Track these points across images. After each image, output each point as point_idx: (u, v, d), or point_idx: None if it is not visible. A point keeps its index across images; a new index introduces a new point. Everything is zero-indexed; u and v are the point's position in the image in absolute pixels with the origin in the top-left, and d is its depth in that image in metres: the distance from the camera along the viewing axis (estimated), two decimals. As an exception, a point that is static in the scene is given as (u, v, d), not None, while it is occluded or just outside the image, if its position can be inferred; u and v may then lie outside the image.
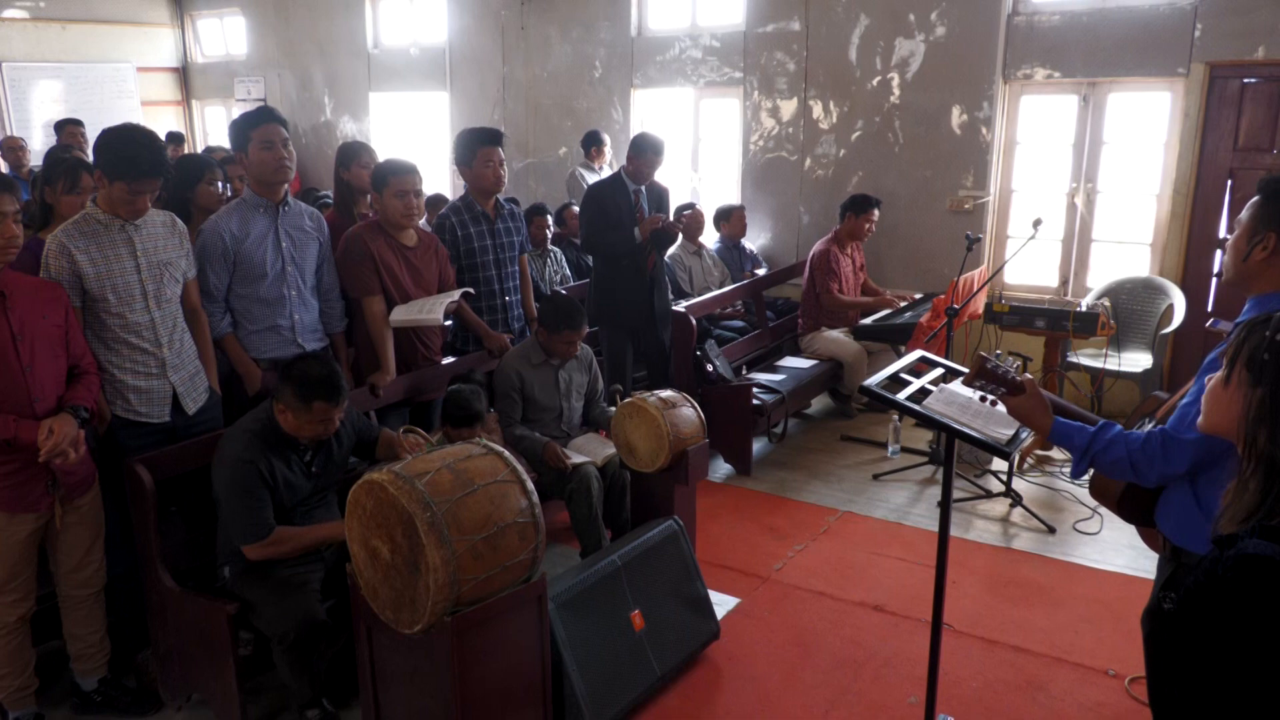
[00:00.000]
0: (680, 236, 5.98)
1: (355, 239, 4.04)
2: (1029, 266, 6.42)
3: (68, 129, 7.82)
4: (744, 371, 5.91)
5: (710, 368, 5.42)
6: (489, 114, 8.69)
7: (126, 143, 3.07)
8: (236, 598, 3.08)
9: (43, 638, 3.25)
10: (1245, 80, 5.63)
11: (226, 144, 5.49)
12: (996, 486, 5.00)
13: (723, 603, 3.92)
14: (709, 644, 3.61)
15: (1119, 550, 4.38)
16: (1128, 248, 6.26)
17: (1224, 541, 1.57)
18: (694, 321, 5.48)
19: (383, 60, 9.54)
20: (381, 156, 4.41)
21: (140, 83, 10.83)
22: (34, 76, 10.09)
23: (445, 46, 8.95)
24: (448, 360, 4.40)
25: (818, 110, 7.01)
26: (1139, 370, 5.61)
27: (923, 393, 2.67)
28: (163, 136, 3.85)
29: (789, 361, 6.17)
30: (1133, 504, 2.28)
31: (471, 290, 4.39)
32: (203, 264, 3.59)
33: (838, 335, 6.17)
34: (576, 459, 4.03)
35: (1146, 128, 6.05)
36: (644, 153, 5.24)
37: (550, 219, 6.70)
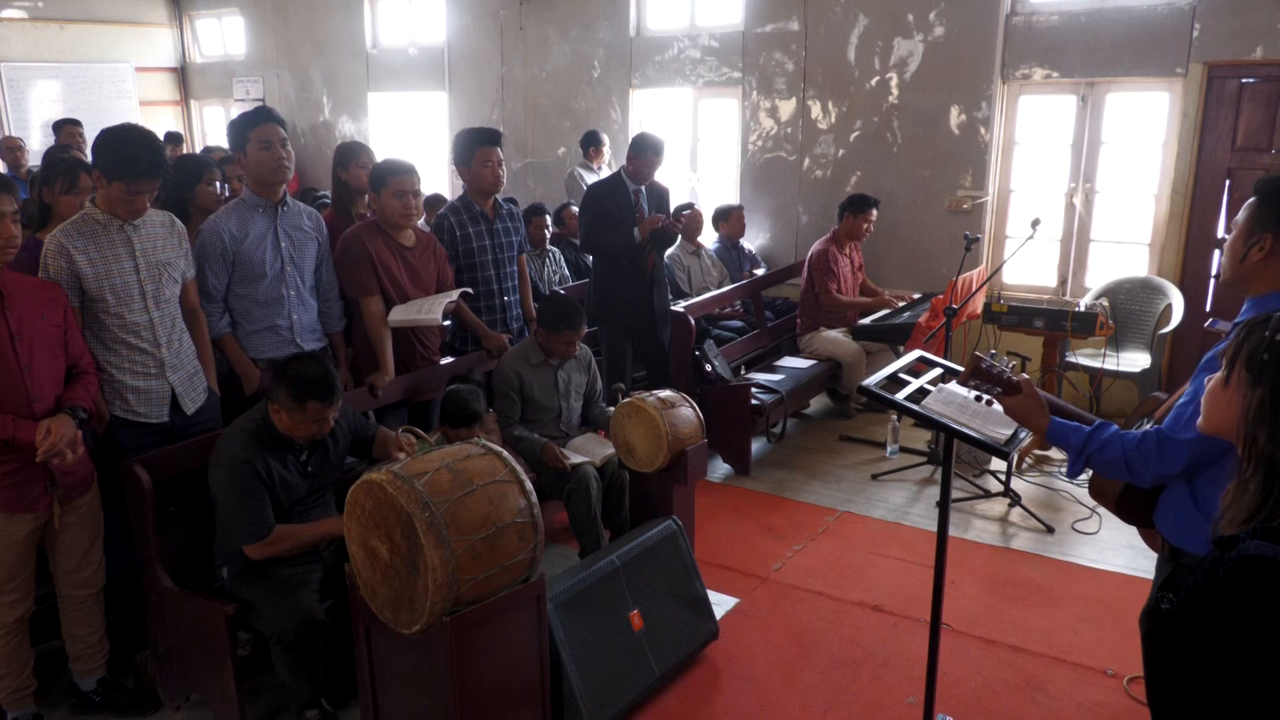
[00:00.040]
0: (679, 236, 5.98)
1: (353, 239, 4.04)
2: (1027, 266, 6.42)
3: (66, 129, 7.81)
4: (743, 371, 5.91)
5: (709, 368, 5.43)
6: (487, 114, 8.69)
7: (125, 143, 3.07)
8: (235, 598, 3.08)
9: (41, 638, 3.25)
10: (1243, 80, 5.64)
11: (225, 144, 5.49)
12: (995, 486, 5.00)
13: (721, 603, 3.92)
14: (708, 644, 3.61)
15: (1117, 550, 4.39)
16: (1126, 248, 6.26)
17: (1224, 543, 1.57)
18: (693, 321, 5.48)
19: (381, 60, 9.54)
20: (380, 156, 4.41)
21: (138, 83, 10.82)
22: (32, 76, 10.08)
23: (444, 46, 8.95)
24: (446, 360, 4.40)
25: (816, 110, 7.01)
26: (1137, 370, 5.62)
27: (921, 393, 2.68)
28: (161, 137, 3.84)
29: (788, 361, 6.17)
30: (1131, 504, 2.28)
31: (470, 290, 4.39)
32: (201, 264, 3.59)
33: (836, 335, 6.17)
34: (575, 459, 4.03)
35: (1145, 128, 6.05)
36: (644, 153, 5.24)
37: (549, 219, 6.70)
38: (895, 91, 6.65)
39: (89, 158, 3.96)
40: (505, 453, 2.73)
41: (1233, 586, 1.50)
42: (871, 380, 2.73)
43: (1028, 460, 5.42)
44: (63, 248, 3.07)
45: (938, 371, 2.84)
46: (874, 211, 6.24)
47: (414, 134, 9.54)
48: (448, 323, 4.17)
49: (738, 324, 6.64)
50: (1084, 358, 5.66)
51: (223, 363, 3.76)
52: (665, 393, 4.01)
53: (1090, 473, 2.27)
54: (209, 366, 3.56)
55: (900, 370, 2.83)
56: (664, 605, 3.45)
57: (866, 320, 5.93)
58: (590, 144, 7.60)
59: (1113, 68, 5.94)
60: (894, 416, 5.57)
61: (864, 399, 5.96)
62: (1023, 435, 2.56)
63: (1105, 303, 5.34)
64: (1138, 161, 6.12)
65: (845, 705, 3.33)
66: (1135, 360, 5.72)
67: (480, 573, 2.51)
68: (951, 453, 2.86)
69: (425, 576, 2.42)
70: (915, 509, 4.90)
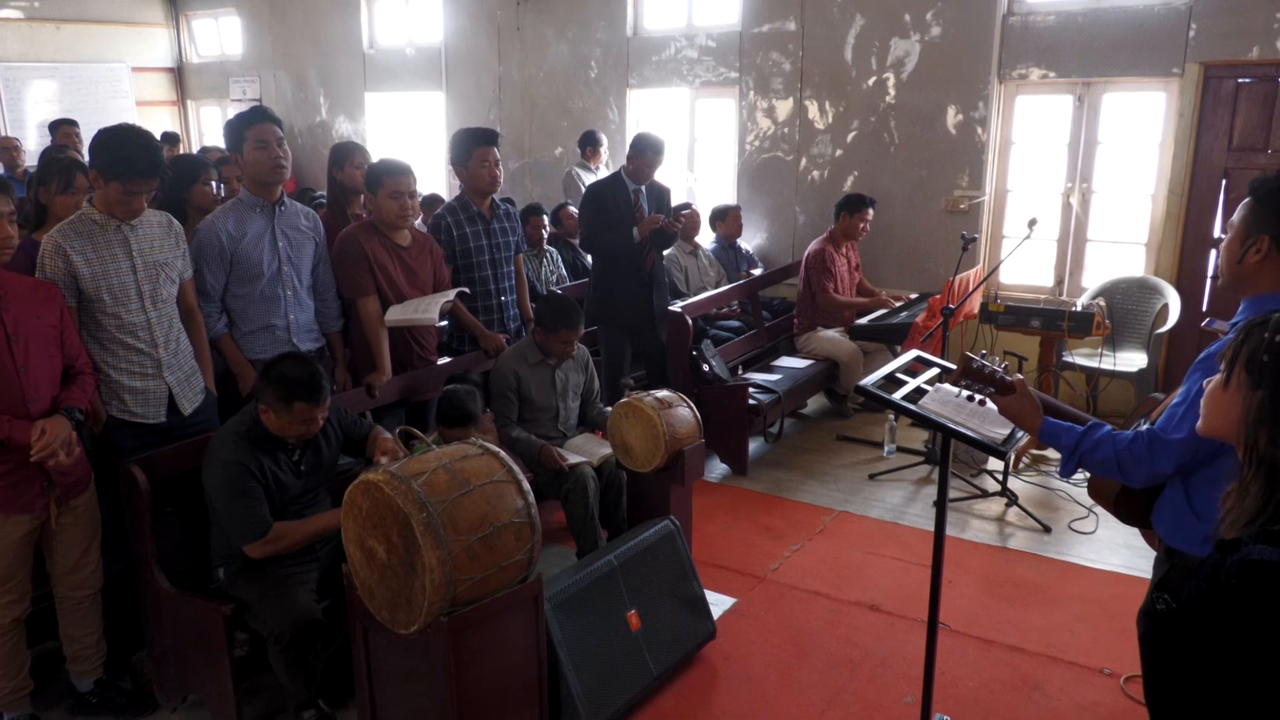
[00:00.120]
0: (678, 236, 5.98)
1: (349, 239, 4.03)
2: (1024, 266, 6.43)
3: (62, 129, 7.81)
4: (740, 371, 5.91)
5: (706, 368, 5.43)
6: (485, 114, 8.68)
7: (122, 143, 3.06)
8: (232, 598, 3.08)
9: (38, 639, 3.24)
10: (1240, 80, 5.65)
11: (222, 144, 5.48)
12: (992, 486, 5.00)
13: (719, 603, 3.92)
14: (705, 644, 3.61)
15: (1114, 549, 4.39)
16: (1123, 247, 6.27)
17: (1226, 546, 1.56)
18: (690, 321, 5.48)
19: (378, 60, 9.53)
20: (377, 157, 4.41)
21: (135, 83, 10.81)
22: (28, 76, 10.07)
23: (441, 46, 8.94)
24: (443, 360, 4.40)
25: (813, 110, 7.01)
26: (1134, 370, 5.63)
27: (918, 392, 2.68)
28: (158, 137, 3.84)
29: (785, 361, 6.17)
30: (1129, 504, 2.28)
31: (467, 290, 4.39)
32: (199, 263, 3.59)
33: (834, 335, 6.18)
34: (573, 459, 4.03)
35: (1141, 128, 6.05)
36: (644, 152, 5.24)
37: (546, 219, 6.70)
38: (892, 91, 6.66)
39: (85, 158, 3.95)
40: (502, 453, 2.73)
41: (1236, 591, 1.49)
42: (869, 380, 2.74)
43: (1025, 460, 5.43)
44: (60, 248, 3.06)
45: (935, 371, 2.84)
46: (870, 211, 6.24)
47: (411, 134, 9.53)
48: (444, 323, 4.17)
49: (735, 324, 6.64)
50: (1081, 357, 5.67)
51: (220, 363, 3.76)
52: (662, 393, 4.01)
53: (1085, 473, 2.27)
54: (206, 367, 3.55)
55: (897, 370, 2.83)
56: (661, 605, 3.45)
57: (864, 320, 5.93)
58: (588, 144, 7.60)
59: (1109, 68, 5.95)
60: (891, 416, 5.58)
61: (861, 399, 5.96)
62: (1019, 435, 2.56)
63: (1102, 302, 5.34)
64: (1134, 161, 6.13)
65: (843, 705, 3.33)
66: (1132, 360, 5.72)
67: (478, 573, 2.51)
68: (949, 452, 2.86)
69: (422, 576, 2.42)
70: (912, 509, 4.91)
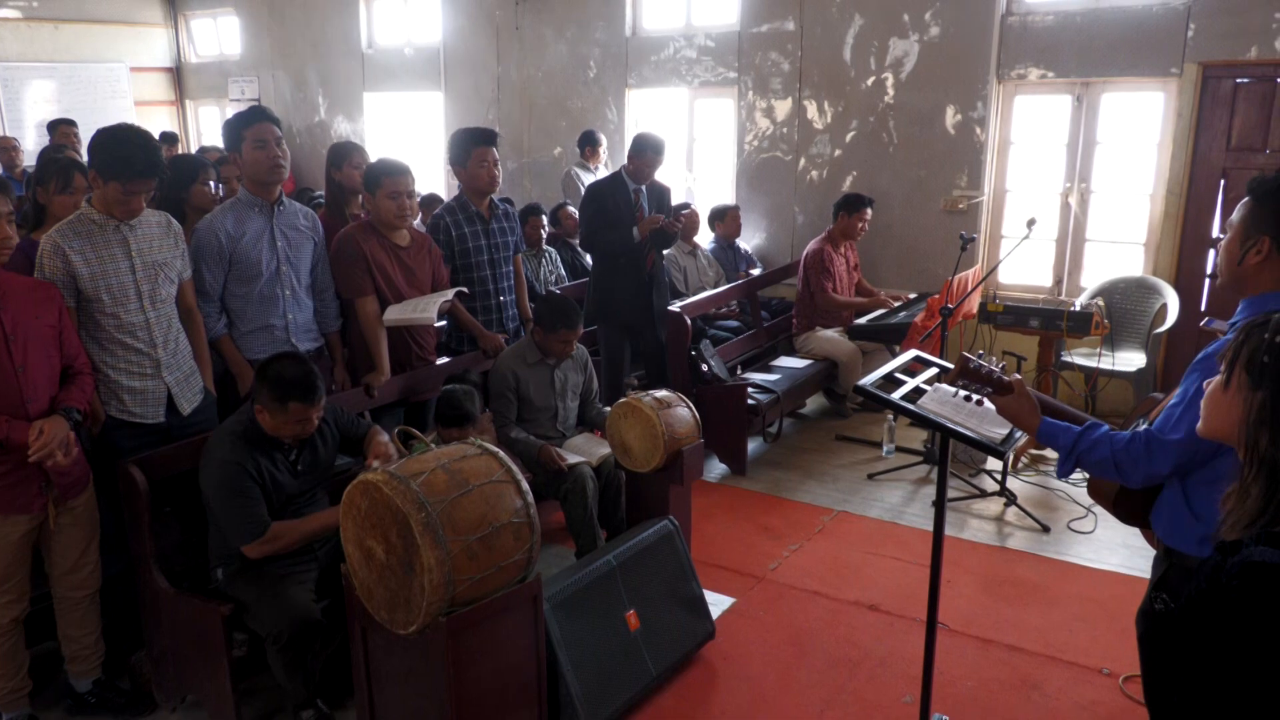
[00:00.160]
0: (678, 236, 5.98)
1: (348, 239, 4.03)
2: (1023, 266, 6.43)
3: (60, 129, 7.80)
4: (739, 371, 5.91)
5: (705, 368, 5.43)
6: (484, 114, 8.68)
7: (121, 143, 3.06)
8: (230, 598, 3.08)
9: (37, 639, 3.24)
10: (1238, 80, 5.65)
11: (220, 144, 5.48)
12: (991, 486, 5.00)
13: (718, 602, 3.92)
14: (704, 644, 3.61)
15: (1113, 549, 4.39)
16: (1121, 247, 6.27)
17: (1227, 548, 1.55)
18: (689, 321, 5.48)
19: (377, 60, 9.53)
20: (376, 157, 4.41)
21: (133, 83, 10.80)
22: (27, 76, 10.06)
23: (440, 46, 8.94)
24: (442, 360, 4.40)
25: (812, 110, 7.01)
26: (1133, 370, 5.63)
27: (917, 392, 2.68)
28: (156, 137, 3.84)
29: (784, 361, 6.17)
30: (1129, 504, 2.28)
31: (465, 290, 4.38)
32: (198, 262, 3.58)
33: (832, 335, 6.18)
34: (572, 459, 4.03)
35: (1140, 128, 6.06)
36: (644, 152, 5.25)
37: (545, 219, 6.70)
38: (891, 91, 6.66)
39: (84, 158, 3.94)
40: (501, 453, 2.73)
41: (1237, 593, 1.49)
42: (868, 380, 2.74)
43: (1023, 460, 5.43)
44: (58, 248, 3.06)
45: (933, 371, 2.84)
46: (868, 210, 6.25)
47: (410, 134, 9.52)
48: (442, 323, 4.16)
49: (734, 324, 6.64)
50: (1079, 357, 5.67)
51: (218, 363, 3.75)
52: (661, 393, 4.01)
53: (1084, 473, 2.27)
54: (205, 367, 3.55)
55: (896, 370, 2.83)
56: (660, 605, 3.45)
57: (862, 320, 5.93)
58: (587, 144, 7.60)
59: (1108, 68, 5.95)
60: (890, 416, 5.58)
61: (860, 399, 5.98)
62: (1018, 435, 2.56)
63: (1100, 302, 5.34)
64: (1133, 161, 6.13)
65: (842, 705, 3.33)
66: (1130, 360, 5.73)
67: (476, 573, 2.51)
68: (947, 452, 2.86)
69: (421, 577, 2.42)
70: (911, 508, 4.91)
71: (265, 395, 3.01)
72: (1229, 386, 1.65)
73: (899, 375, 2.80)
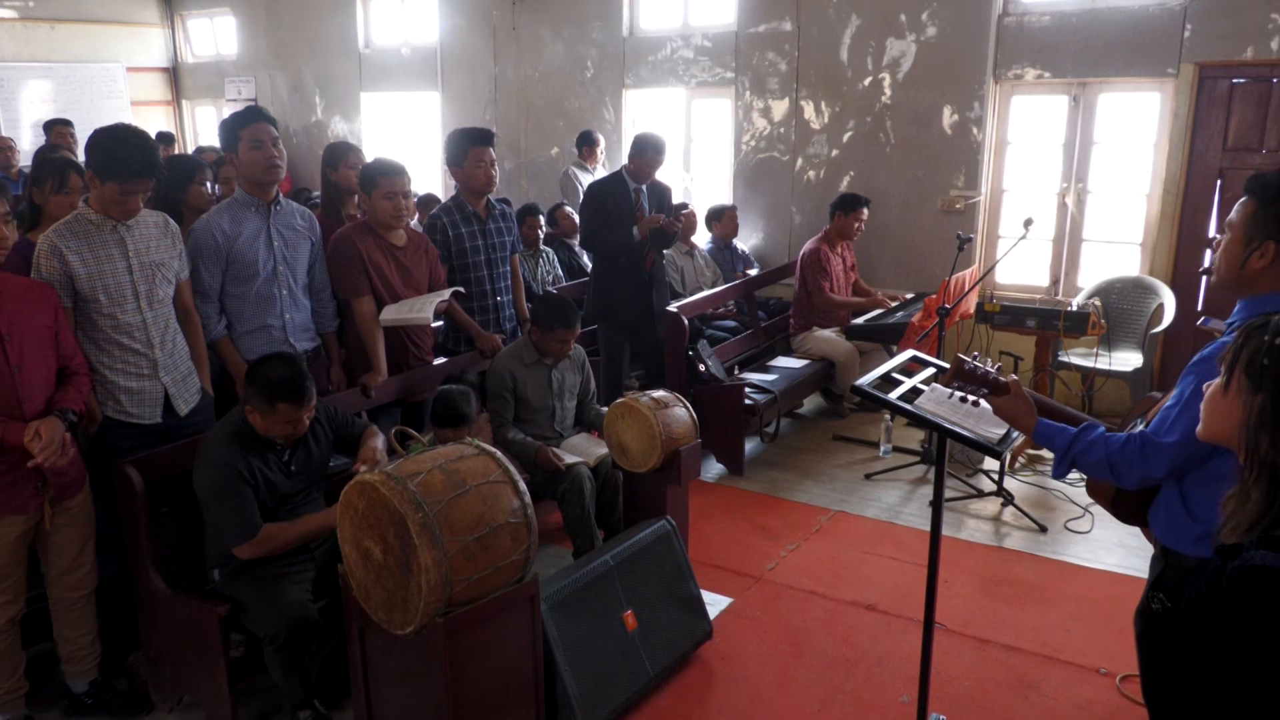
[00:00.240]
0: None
1: (344, 239, 4.03)
2: (1020, 266, 6.44)
3: (56, 129, 7.78)
4: (736, 371, 5.91)
5: (702, 368, 5.43)
6: (480, 114, 8.68)
7: (118, 143, 3.06)
8: (227, 599, 3.07)
9: (33, 640, 3.23)
10: (1234, 80, 5.66)
11: (217, 144, 5.47)
12: (988, 486, 5.01)
13: (715, 602, 3.92)
14: (701, 644, 3.61)
15: (1110, 549, 4.40)
16: (1118, 247, 6.28)
17: (1227, 552, 1.55)
18: (686, 321, 5.48)
19: (374, 60, 9.52)
20: (372, 157, 4.41)
21: (130, 83, 10.79)
22: (23, 76, 10.04)
23: (437, 46, 8.94)
24: (439, 361, 4.39)
25: (809, 110, 7.02)
26: (1129, 369, 5.64)
27: (914, 392, 2.68)
28: (153, 137, 3.83)
29: (781, 361, 6.17)
30: (1127, 504, 2.28)
31: (462, 289, 4.38)
32: (195, 262, 3.58)
33: (830, 335, 6.18)
34: (569, 459, 4.03)
35: (1136, 128, 6.07)
36: (644, 152, 5.25)
37: (542, 219, 6.69)
38: (888, 92, 6.66)
39: (80, 158, 3.94)
40: (499, 453, 2.73)
41: (1237, 597, 1.48)
42: (865, 380, 2.74)
43: (1020, 459, 5.44)
44: (55, 248, 3.06)
45: (931, 371, 2.84)
46: (865, 210, 6.25)
47: (407, 134, 9.52)
48: (439, 323, 4.16)
49: (731, 324, 6.64)
50: (1076, 357, 5.68)
51: (216, 363, 3.75)
52: (659, 393, 4.01)
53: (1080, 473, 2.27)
54: (203, 367, 3.54)
55: (893, 370, 2.83)
56: (658, 605, 3.45)
57: (859, 320, 5.94)
58: (584, 144, 7.60)
59: (1104, 68, 5.96)
60: (887, 416, 5.58)
61: (857, 398, 5.98)
62: (1015, 435, 2.56)
63: (1097, 302, 5.35)
64: (1129, 161, 6.14)
65: (839, 705, 3.33)
66: (1127, 360, 5.74)
67: (474, 573, 2.51)
68: (945, 452, 2.86)
69: (419, 577, 2.42)
70: (908, 508, 4.91)
71: (254, 397, 3.01)
72: (1229, 390, 1.64)
73: (896, 375, 2.80)
